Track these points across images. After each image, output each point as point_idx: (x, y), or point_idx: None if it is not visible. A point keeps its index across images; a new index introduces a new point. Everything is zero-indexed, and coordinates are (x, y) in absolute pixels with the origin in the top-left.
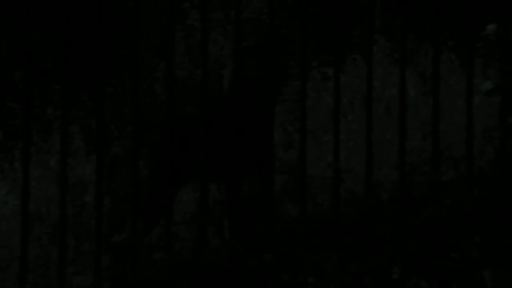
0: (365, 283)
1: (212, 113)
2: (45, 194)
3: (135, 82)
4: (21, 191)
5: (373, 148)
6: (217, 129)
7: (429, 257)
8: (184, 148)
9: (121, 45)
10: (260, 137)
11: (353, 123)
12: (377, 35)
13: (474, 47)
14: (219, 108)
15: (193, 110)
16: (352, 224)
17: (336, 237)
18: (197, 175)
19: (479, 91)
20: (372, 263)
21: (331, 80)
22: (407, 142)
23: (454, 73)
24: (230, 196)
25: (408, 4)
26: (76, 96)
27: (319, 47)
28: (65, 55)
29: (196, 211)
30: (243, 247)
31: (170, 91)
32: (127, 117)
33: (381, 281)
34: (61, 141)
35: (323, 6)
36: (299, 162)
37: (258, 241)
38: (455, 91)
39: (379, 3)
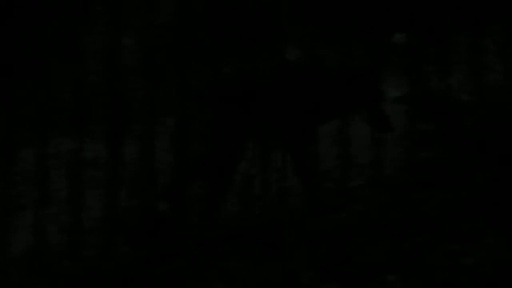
0: None
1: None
2: None
3: None
4: None
5: (284, 155)
6: None
7: (337, 263)
8: None
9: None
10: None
11: None
12: (285, 43)
13: (383, 55)
14: None
15: None
16: (262, 230)
17: (246, 243)
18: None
19: (388, 99)
20: (281, 269)
21: None
22: (318, 148)
23: None
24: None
25: (317, 13)
26: None
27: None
28: None
29: (105, 216)
30: (153, 254)
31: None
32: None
33: (290, 287)
34: None
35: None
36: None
37: (169, 248)
38: None
39: (286, 13)
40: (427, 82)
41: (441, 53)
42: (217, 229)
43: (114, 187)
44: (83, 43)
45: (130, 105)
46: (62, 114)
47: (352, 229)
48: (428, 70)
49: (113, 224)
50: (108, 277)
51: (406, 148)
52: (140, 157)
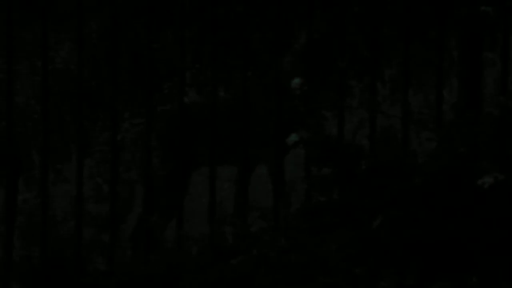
0: None
1: None
2: None
3: None
4: None
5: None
6: None
7: None
8: None
9: None
10: None
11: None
12: (188, 88)
13: (280, 100)
14: None
15: None
16: (161, 276)
17: None
18: None
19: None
20: None
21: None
22: (217, 193)
23: None
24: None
25: (217, 58)
26: None
27: (131, 99)
28: None
29: None
30: None
31: None
32: None
33: None
34: None
35: (133, 59)
36: (109, 215)
37: None
38: None
39: (189, 57)
40: (323, 126)
41: (337, 97)
42: (112, 276)
43: (10, 234)
44: None
45: (29, 151)
46: None
47: (252, 274)
48: (325, 115)
49: (8, 272)
50: None
51: (304, 192)
52: (37, 204)
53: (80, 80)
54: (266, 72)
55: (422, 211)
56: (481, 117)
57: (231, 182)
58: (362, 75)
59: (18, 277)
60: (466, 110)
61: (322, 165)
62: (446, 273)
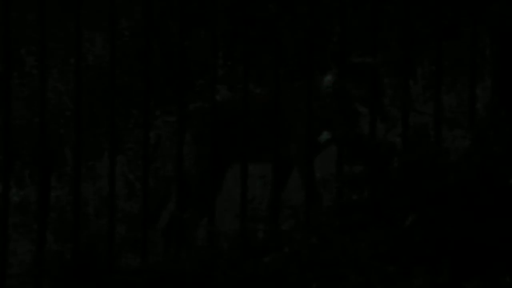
0: None
1: None
2: None
3: None
4: None
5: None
6: None
7: None
8: None
9: None
10: None
11: None
12: (220, 85)
13: (311, 98)
14: None
15: None
16: (193, 273)
17: (176, 287)
18: None
19: (318, 141)
20: None
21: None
22: (249, 190)
23: None
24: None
25: (248, 56)
26: None
27: (163, 96)
28: None
29: (31, 262)
30: None
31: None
32: None
33: None
34: None
35: (166, 56)
36: (141, 212)
37: None
38: None
39: (221, 54)
40: (356, 124)
41: (371, 93)
42: (143, 273)
43: (42, 231)
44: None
45: (59, 148)
46: None
47: (284, 271)
48: (359, 111)
49: (41, 268)
50: None
51: (336, 190)
52: (69, 201)
53: (113, 77)
54: (298, 69)
55: (455, 210)
56: None
57: (263, 179)
58: (395, 72)
59: (49, 273)
60: (499, 109)
61: (353, 163)
62: (478, 273)
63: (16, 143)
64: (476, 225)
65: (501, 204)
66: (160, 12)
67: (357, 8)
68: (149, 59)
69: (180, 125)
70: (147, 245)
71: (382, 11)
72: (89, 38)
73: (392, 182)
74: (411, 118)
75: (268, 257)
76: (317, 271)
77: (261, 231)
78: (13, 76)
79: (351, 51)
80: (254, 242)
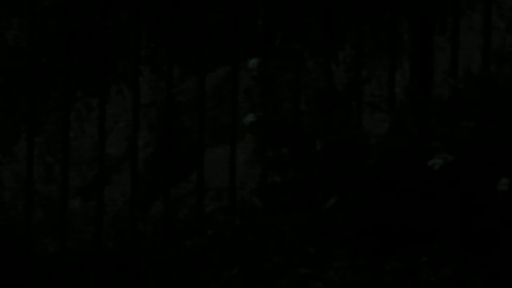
0: None
1: None
2: None
3: None
4: None
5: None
6: None
7: None
8: None
9: None
10: None
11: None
12: (143, 66)
13: (239, 80)
14: None
15: None
16: (114, 257)
17: (97, 271)
18: None
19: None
20: None
21: (95, 111)
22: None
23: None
24: None
25: (173, 38)
26: None
27: (84, 78)
28: None
29: None
30: None
31: None
32: None
33: None
34: None
35: (87, 37)
36: (59, 196)
37: (9, 280)
38: None
39: (144, 35)
40: (281, 107)
41: (294, 77)
42: (63, 258)
43: None
44: None
45: None
46: None
47: (207, 254)
48: (282, 95)
49: None
50: None
51: (259, 172)
52: None
53: (32, 57)
54: (224, 52)
55: (375, 191)
56: (432, 99)
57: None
58: (317, 56)
59: None
60: (417, 93)
61: (278, 146)
62: (397, 253)
63: None
64: (395, 206)
65: (419, 186)
66: None
67: None
68: (70, 39)
69: (101, 108)
70: (66, 230)
71: None
72: (7, 17)
73: (315, 164)
74: None
75: (191, 240)
76: (239, 254)
77: (184, 214)
78: None
79: (276, 34)
80: (178, 226)
